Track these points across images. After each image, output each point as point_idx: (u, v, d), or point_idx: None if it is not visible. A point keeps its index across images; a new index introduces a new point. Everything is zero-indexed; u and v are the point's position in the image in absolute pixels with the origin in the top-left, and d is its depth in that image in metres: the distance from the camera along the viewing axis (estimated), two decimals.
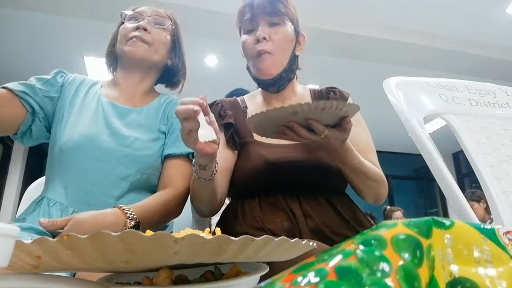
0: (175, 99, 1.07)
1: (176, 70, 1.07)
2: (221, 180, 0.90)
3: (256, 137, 0.91)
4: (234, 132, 0.97)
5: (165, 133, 1.00)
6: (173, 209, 0.92)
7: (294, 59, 0.99)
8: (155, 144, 0.96)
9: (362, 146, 0.93)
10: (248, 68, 1.02)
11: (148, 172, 0.94)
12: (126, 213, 0.78)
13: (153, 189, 0.96)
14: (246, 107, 1.04)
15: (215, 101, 1.04)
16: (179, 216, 0.96)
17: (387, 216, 4.36)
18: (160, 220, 0.89)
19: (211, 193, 0.84)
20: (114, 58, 1.05)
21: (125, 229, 0.76)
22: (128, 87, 1.02)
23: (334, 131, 0.74)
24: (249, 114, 1.01)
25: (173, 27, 1.03)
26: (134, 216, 0.79)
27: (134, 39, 0.96)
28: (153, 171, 0.95)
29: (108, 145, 0.91)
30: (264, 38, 0.92)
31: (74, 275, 0.71)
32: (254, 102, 1.06)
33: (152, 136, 0.97)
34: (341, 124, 0.73)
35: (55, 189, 0.89)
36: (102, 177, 0.89)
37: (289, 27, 0.97)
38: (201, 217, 1.07)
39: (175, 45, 1.05)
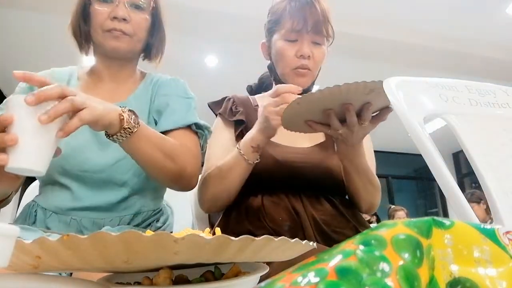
0: (162, 78, 0.99)
1: (155, 45, 0.99)
2: None
3: None
4: (244, 129, 0.98)
5: (160, 114, 0.92)
6: (175, 158, 0.79)
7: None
8: None
9: (367, 158, 0.96)
10: (270, 68, 1.07)
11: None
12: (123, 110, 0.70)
13: (156, 190, 0.93)
14: (257, 105, 1.05)
15: (227, 97, 1.07)
16: (179, 217, 0.95)
17: (390, 215, 4.38)
18: (156, 156, 0.76)
19: (241, 182, 0.88)
20: (85, 39, 0.95)
21: (122, 113, 0.68)
22: (110, 76, 0.95)
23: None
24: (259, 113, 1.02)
25: (152, 3, 0.93)
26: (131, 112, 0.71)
27: (114, 31, 0.86)
28: None
29: (97, 154, 0.85)
30: (309, 56, 0.97)
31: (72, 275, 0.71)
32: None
33: None
34: (380, 114, 0.77)
35: (49, 199, 0.85)
36: (98, 186, 0.85)
37: (327, 46, 1.02)
38: (204, 213, 1.07)
39: (155, 22, 0.96)
